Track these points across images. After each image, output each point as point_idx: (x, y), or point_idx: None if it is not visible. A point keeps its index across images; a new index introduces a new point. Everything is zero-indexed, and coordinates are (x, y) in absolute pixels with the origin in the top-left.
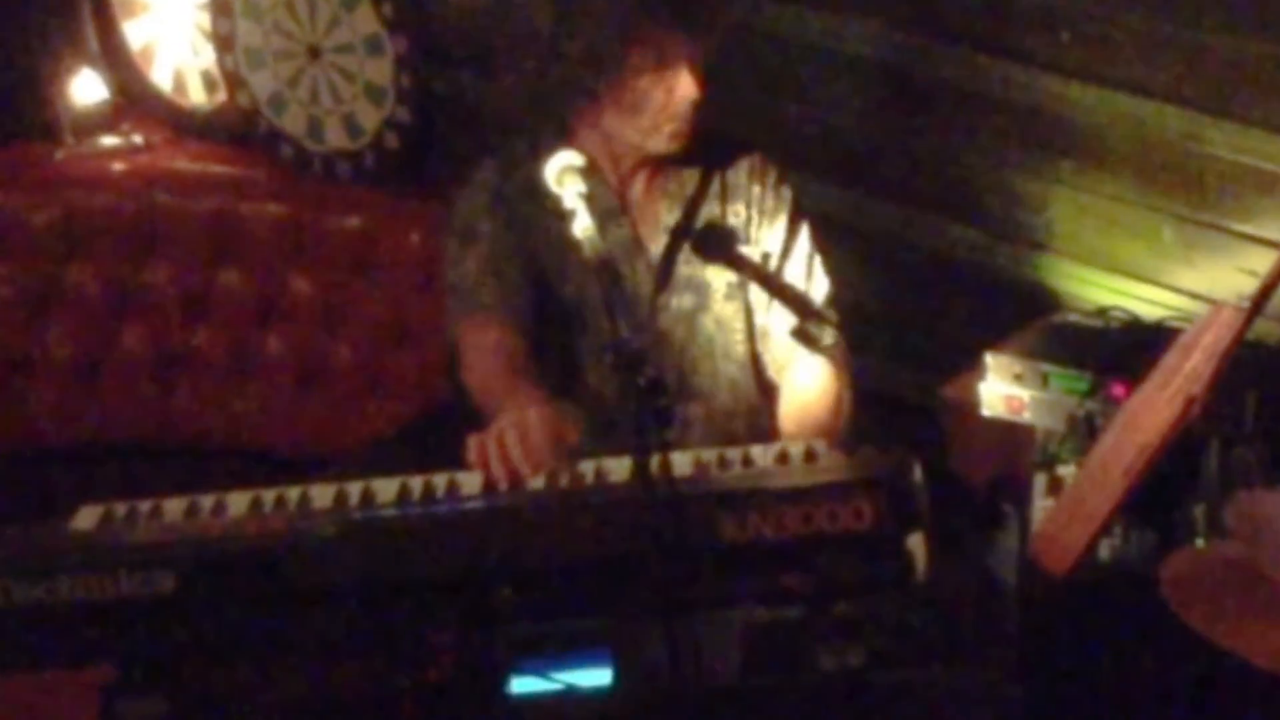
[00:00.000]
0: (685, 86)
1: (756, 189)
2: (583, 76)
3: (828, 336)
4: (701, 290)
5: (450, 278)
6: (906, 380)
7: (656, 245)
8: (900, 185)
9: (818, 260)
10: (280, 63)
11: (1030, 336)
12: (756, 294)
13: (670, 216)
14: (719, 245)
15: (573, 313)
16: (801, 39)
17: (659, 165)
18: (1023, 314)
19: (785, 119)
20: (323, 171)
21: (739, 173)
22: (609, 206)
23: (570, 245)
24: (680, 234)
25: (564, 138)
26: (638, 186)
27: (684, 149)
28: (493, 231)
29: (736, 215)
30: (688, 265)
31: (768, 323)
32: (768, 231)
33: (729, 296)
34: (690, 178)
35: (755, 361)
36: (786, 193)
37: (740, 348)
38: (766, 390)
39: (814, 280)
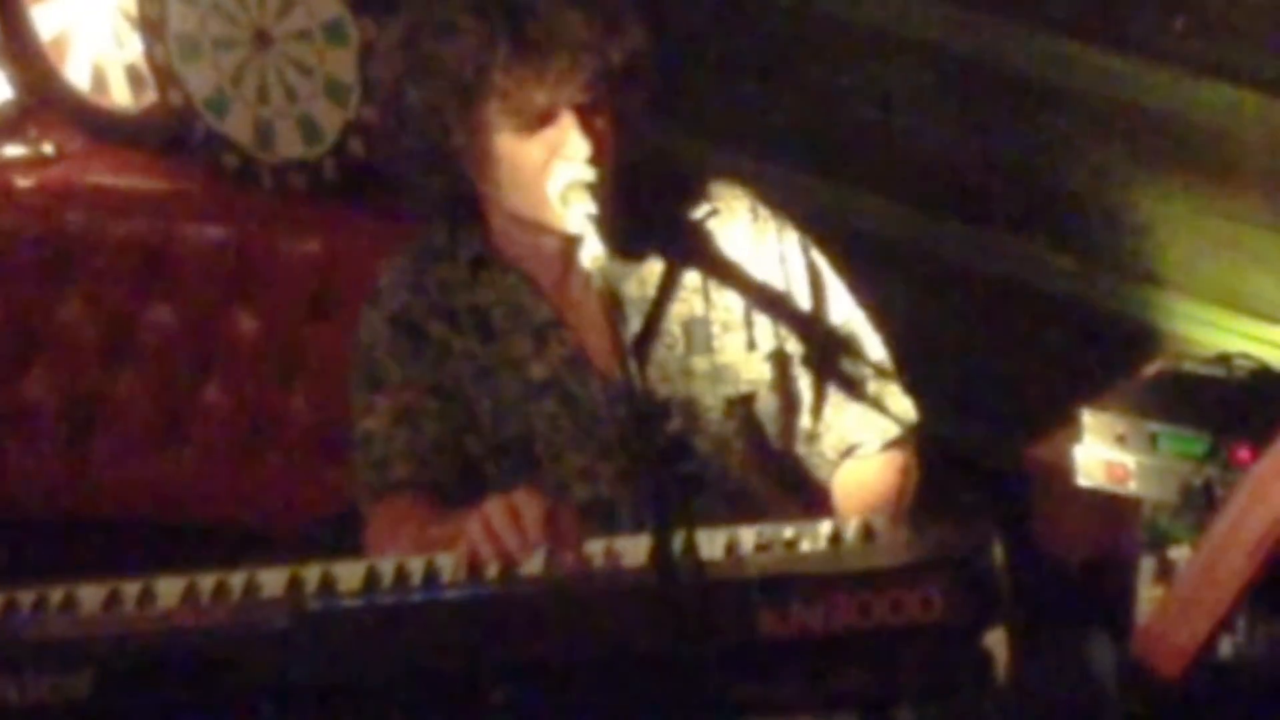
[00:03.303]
0: (570, 144)
1: (747, 254)
2: (431, 136)
3: (892, 427)
4: (689, 410)
5: (357, 431)
6: (986, 441)
7: (612, 363)
8: (979, 202)
9: (861, 321)
10: (221, 53)
11: (1136, 389)
12: (778, 400)
13: (627, 329)
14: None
15: (515, 449)
16: (858, 21)
17: (614, 255)
18: (1127, 361)
19: (837, 120)
20: (273, 185)
21: (722, 246)
22: (543, 319)
23: (505, 363)
24: (645, 349)
25: (478, 226)
26: (577, 288)
27: (613, 222)
28: (401, 376)
29: (730, 309)
30: (668, 383)
31: (816, 426)
32: (786, 309)
33: (728, 414)
34: (652, 271)
35: (773, 474)
36: (794, 250)
37: (741, 469)
38: (809, 495)
39: (865, 348)
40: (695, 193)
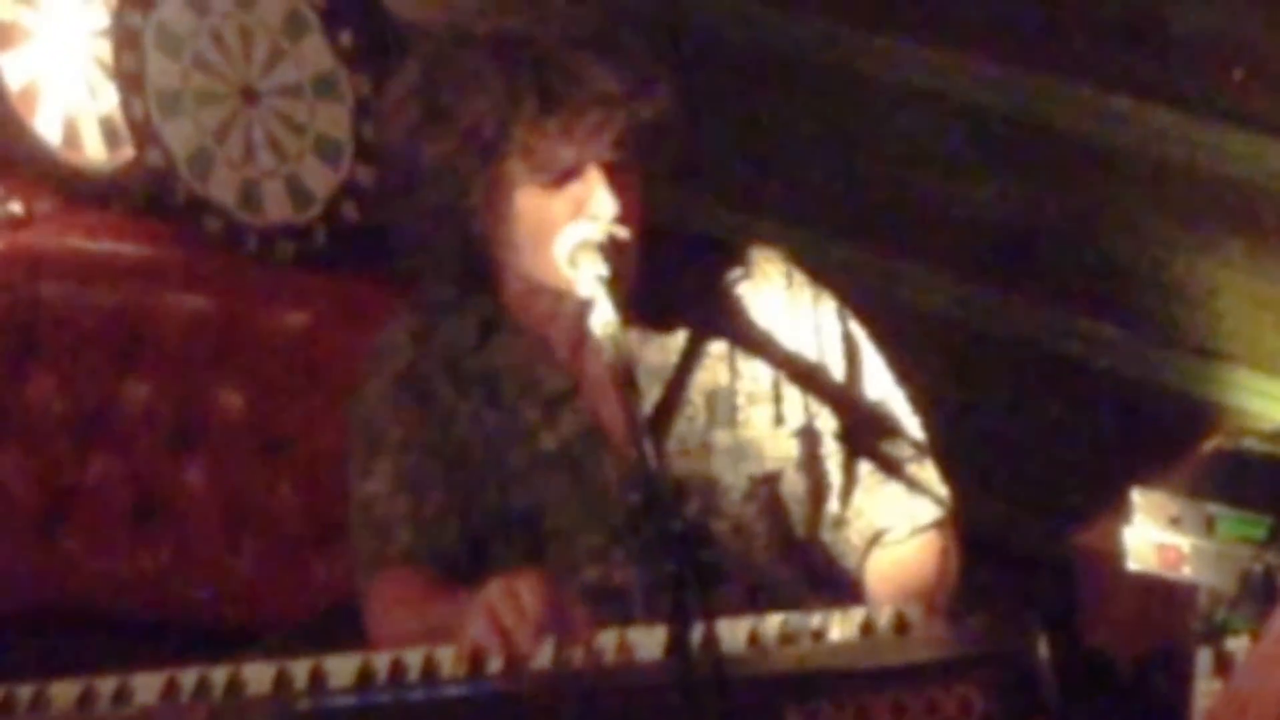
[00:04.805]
0: (596, 202)
1: (779, 321)
2: (446, 194)
3: (925, 512)
4: (710, 491)
5: (355, 497)
6: (1028, 525)
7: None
8: (1021, 271)
9: (898, 399)
10: (204, 109)
11: (1190, 467)
12: (806, 481)
13: (648, 399)
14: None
15: (521, 525)
16: (889, 79)
17: (632, 320)
18: (1184, 440)
19: (870, 185)
20: (259, 251)
21: (752, 313)
22: (556, 388)
23: (513, 432)
24: (664, 420)
25: (488, 284)
26: (594, 357)
27: (640, 285)
28: (404, 438)
29: (757, 380)
30: (686, 458)
31: (844, 511)
32: (818, 383)
33: (750, 494)
34: (676, 336)
35: (798, 562)
36: (830, 320)
37: (763, 555)
38: (836, 587)
39: (900, 429)
40: (726, 255)
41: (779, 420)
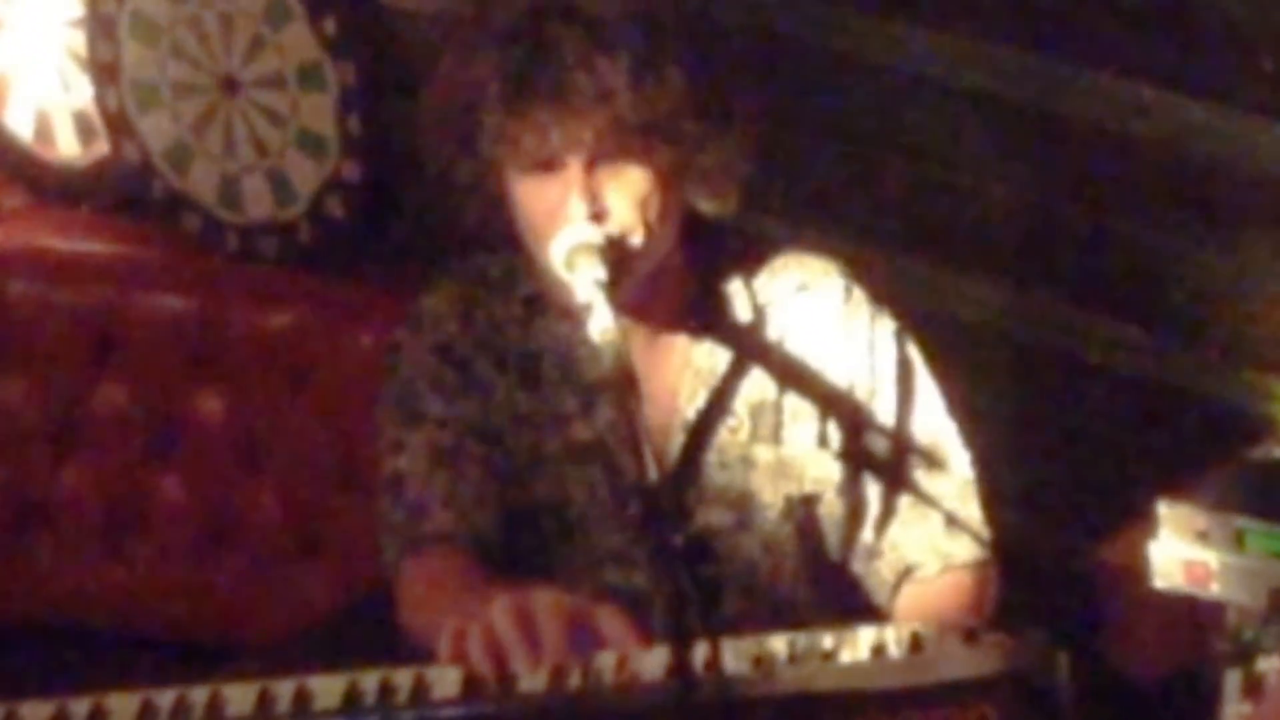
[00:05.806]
0: (570, 201)
1: (833, 338)
2: (437, 160)
3: (960, 552)
4: (745, 505)
5: (386, 470)
6: (1048, 538)
7: (671, 439)
8: (1039, 271)
9: (949, 432)
10: (182, 101)
11: (1220, 479)
12: (845, 506)
13: (691, 404)
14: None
15: (547, 516)
16: (898, 68)
17: (678, 324)
18: (1208, 447)
19: (879, 179)
20: (240, 250)
21: (805, 327)
22: (595, 378)
23: (548, 418)
24: (706, 428)
25: (533, 264)
26: (640, 349)
27: (691, 289)
28: (443, 411)
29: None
30: (725, 470)
31: (878, 543)
32: (869, 401)
33: (787, 514)
34: (725, 347)
35: (829, 589)
36: (886, 341)
37: (792, 576)
38: (864, 612)
39: (947, 464)
40: (783, 265)
41: (823, 440)
